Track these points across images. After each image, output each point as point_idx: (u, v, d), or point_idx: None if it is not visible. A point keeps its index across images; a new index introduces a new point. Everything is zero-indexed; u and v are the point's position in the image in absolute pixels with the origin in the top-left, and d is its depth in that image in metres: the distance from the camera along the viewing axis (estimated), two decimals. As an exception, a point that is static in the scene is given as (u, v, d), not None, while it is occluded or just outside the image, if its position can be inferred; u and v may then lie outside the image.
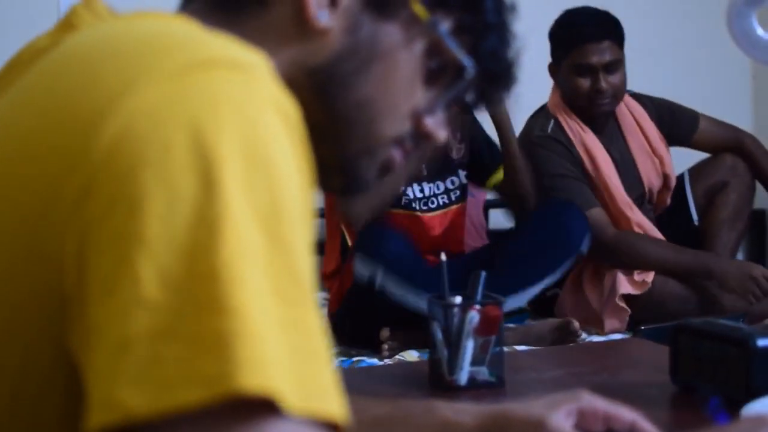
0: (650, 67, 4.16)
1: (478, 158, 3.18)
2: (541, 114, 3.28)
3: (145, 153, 0.62)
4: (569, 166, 3.18)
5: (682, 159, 3.53)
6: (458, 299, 1.60)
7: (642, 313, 3.06)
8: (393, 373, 1.80)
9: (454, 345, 1.57)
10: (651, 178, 3.35)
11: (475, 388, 1.56)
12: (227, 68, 0.66)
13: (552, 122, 3.21)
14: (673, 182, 3.41)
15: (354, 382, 1.70)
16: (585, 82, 3.14)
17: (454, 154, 3.11)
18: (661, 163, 3.36)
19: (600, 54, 3.13)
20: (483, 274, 1.62)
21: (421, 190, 3.04)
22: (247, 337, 0.59)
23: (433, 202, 3.07)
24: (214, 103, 0.64)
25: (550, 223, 3.03)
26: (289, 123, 0.66)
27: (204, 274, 0.60)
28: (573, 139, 3.20)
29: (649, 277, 3.14)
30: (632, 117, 3.34)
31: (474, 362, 1.58)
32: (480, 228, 3.41)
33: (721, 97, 4.22)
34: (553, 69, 3.22)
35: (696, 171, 3.53)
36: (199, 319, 0.60)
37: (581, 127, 3.21)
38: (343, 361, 2.75)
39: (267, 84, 0.67)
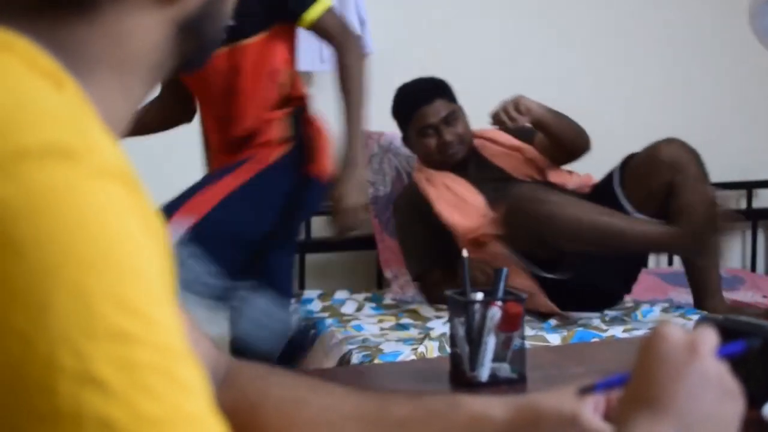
0: (669, 66, 4.15)
1: None
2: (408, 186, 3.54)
3: None
4: (420, 228, 3.39)
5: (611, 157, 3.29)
6: (480, 295, 1.61)
7: None
8: (414, 369, 1.80)
9: (476, 341, 1.58)
10: (527, 168, 3.44)
11: (496, 384, 1.57)
12: (44, 158, 0.60)
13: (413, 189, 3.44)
14: (543, 148, 3.44)
15: (375, 379, 1.71)
16: (432, 141, 3.40)
17: None
18: (521, 151, 3.48)
19: (435, 113, 3.38)
20: (505, 270, 1.63)
21: None
22: None
23: None
24: (34, 211, 0.59)
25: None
26: (123, 184, 0.63)
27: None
28: (430, 196, 3.38)
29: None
30: (483, 138, 3.52)
31: (495, 358, 1.58)
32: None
33: (744, 96, 4.20)
34: (406, 141, 3.48)
35: (629, 180, 3.22)
36: None
37: (442, 175, 3.40)
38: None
39: (91, 159, 0.62)
